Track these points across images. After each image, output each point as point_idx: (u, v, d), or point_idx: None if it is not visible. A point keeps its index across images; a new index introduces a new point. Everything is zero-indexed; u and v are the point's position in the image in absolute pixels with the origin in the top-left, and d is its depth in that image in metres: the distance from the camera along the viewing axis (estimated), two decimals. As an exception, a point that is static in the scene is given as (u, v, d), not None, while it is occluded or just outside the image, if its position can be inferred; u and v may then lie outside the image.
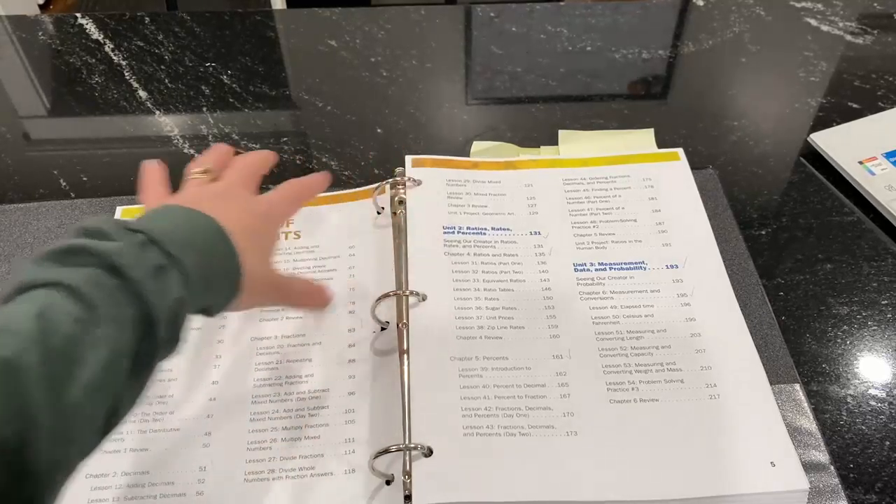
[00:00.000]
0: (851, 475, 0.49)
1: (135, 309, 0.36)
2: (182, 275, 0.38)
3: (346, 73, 0.81)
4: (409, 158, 0.66)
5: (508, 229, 0.61)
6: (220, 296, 0.42)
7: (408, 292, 0.56)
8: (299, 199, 0.52)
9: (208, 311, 0.42)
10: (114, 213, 0.65)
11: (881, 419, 0.52)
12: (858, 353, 0.56)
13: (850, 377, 0.54)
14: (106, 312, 0.35)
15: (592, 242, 0.60)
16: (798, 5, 0.87)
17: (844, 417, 0.52)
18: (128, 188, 0.69)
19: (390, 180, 0.64)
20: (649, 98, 0.79)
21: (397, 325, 0.55)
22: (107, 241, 0.37)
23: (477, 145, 0.71)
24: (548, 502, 0.46)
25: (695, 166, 0.67)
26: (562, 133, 0.72)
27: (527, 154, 0.70)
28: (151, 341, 0.37)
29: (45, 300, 0.34)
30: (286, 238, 0.62)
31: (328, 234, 0.63)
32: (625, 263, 0.59)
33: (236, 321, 0.57)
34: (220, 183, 0.49)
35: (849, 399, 0.53)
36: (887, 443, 0.51)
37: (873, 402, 0.53)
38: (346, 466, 0.49)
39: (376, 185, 0.63)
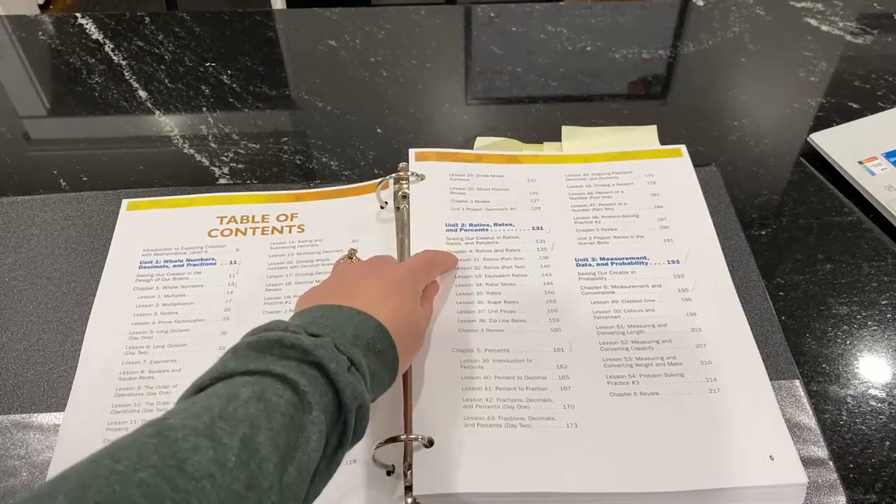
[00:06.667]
0: (851, 475, 0.49)
1: (333, 399, 0.39)
2: (362, 375, 0.41)
3: (346, 73, 0.81)
4: (412, 152, 0.66)
5: (511, 224, 0.61)
6: (380, 389, 0.45)
7: (409, 287, 0.55)
8: (433, 264, 0.56)
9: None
10: (120, 204, 0.65)
11: (881, 419, 0.52)
12: (858, 353, 0.56)
13: (850, 377, 0.54)
14: (314, 399, 0.37)
15: (594, 237, 0.60)
16: (798, 5, 0.88)
17: (844, 417, 0.52)
18: (128, 188, 0.69)
19: (394, 175, 0.64)
20: (649, 98, 0.79)
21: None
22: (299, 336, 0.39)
23: (480, 140, 0.71)
24: (547, 493, 0.46)
25: (695, 166, 0.66)
26: (565, 129, 0.72)
27: (530, 150, 0.70)
28: (345, 431, 0.39)
29: (259, 386, 0.36)
30: (290, 232, 0.62)
31: (331, 228, 0.63)
32: (626, 258, 0.59)
33: (237, 319, 0.57)
34: (383, 269, 0.51)
35: (849, 399, 0.53)
36: (887, 443, 0.51)
37: (873, 402, 0.53)
38: (347, 457, 0.49)
39: (380, 179, 0.63)
